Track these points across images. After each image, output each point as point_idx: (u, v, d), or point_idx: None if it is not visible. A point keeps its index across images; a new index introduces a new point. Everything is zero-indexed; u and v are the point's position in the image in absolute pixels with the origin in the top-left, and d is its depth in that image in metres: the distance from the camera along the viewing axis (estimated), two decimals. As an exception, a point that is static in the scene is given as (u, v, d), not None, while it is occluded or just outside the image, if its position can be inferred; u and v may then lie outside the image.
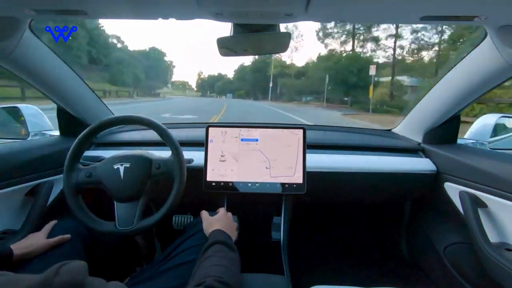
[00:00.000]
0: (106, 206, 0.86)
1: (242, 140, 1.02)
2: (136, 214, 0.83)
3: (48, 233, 0.79)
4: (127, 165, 0.85)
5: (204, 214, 0.84)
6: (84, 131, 0.88)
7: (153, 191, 0.88)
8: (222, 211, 0.85)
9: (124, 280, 0.79)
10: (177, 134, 0.90)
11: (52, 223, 0.82)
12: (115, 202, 0.85)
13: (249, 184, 1.00)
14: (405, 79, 23.02)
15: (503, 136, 1.47)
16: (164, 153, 0.92)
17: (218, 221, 0.79)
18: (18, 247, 0.71)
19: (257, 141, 1.02)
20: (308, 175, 1.00)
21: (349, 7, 0.61)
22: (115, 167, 0.85)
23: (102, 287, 0.42)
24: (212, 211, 0.88)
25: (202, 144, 1.02)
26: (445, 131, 1.13)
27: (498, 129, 1.36)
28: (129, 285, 0.73)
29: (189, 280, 0.59)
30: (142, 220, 0.83)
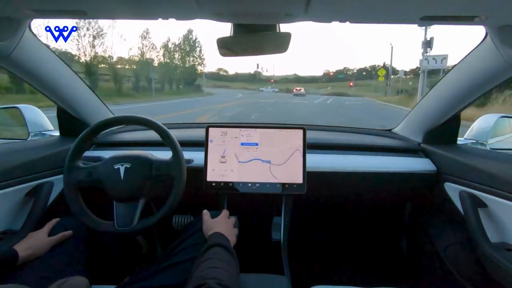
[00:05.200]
0: (106, 206, 0.86)
1: (242, 144, 1.02)
2: (135, 214, 0.83)
3: (49, 232, 0.79)
4: (128, 165, 0.84)
5: (206, 215, 0.84)
6: (85, 130, 0.88)
7: (152, 191, 0.88)
8: (224, 214, 0.85)
9: (124, 279, 0.79)
10: (177, 134, 0.90)
11: (54, 221, 0.82)
12: (114, 202, 0.85)
13: (249, 184, 1.00)
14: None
15: (503, 136, 1.48)
16: (165, 154, 0.92)
17: (219, 225, 0.79)
18: (22, 248, 0.71)
19: (257, 145, 1.02)
20: (308, 175, 1.00)
21: (349, 7, 0.61)
22: (116, 167, 0.84)
23: None
24: (213, 211, 0.88)
25: (202, 144, 1.02)
26: (445, 131, 1.13)
27: (498, 129, 1.36)
28: (130, 283, 0.74)
29: (188, 280, 0.59)
30: (141, 220, 0.83)
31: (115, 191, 0.84)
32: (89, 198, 0.87)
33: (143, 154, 0.89)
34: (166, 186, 0.87)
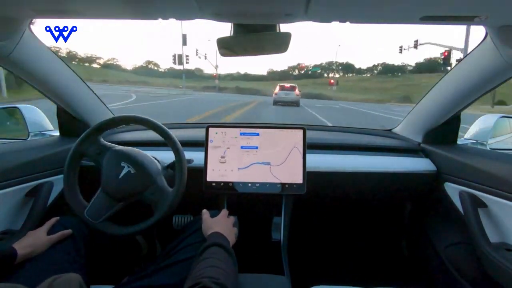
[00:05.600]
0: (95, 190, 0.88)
1: (242, 147, 1.01)
2: (105, 213, 0.83)
3: (49, 230, 0.79)
4: (132, 171, 0.84)
5: (205, 214, 0.84)
6: (88, 130, 0.89)
7: (132, 203, 0.87)
8: (223, 213, 0.85)
9: (123, 279, 0.79)
10: (177, 134, 0.90)
11: (54, 219, 0.82)
12: (99, 190, 0.85)
13: (249, 184, 1.00)
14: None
15: (503, 136, 1.48)
16: (167, 155, 0.91)
17: (218, 224, 0.79)
18: (21, 246, 0.71)
19: (257, 148, 1.02)
20: (308, 175, 1.00)
21: (349, 7, 0.61)
22: (121, 164, 0.84)
23: None
24: (212, 210, 0.88)
25: (202, 144, 1.02)
26: (445, 131, 1.13)
27: (498, 129, 1.36)
28: (129, 282, 0.74)
29: (185, 280, 0.59)
30: (108, 223, 0.84)
31: (105, 181, 0.84)
32: (90, 175, 0.89)
33: (152, 170, 0.86)
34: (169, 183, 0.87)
